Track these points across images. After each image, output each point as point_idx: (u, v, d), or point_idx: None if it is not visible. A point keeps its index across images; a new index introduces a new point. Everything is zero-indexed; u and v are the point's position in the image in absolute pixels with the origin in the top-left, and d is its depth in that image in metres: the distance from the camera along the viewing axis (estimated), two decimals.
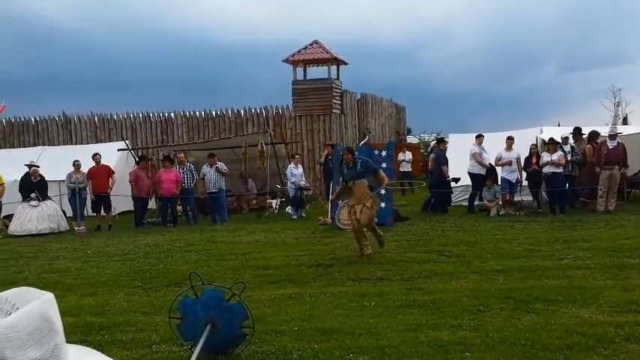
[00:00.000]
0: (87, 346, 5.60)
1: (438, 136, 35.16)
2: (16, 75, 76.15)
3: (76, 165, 16.84)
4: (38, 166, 17.31)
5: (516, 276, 8.50)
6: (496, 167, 16.26)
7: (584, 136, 16.68)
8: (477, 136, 16.85)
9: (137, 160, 17.96)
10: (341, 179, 10.78)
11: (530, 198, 15.98)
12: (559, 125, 21.70)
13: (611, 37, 75.75)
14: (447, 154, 17.48)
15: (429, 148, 17.61)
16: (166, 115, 25.01)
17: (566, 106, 68.80)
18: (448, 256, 10.17)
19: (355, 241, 10.48)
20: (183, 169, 17.02)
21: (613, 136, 15.17)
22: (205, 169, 17.05)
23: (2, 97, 25.40)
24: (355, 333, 6.26)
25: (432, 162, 17.18)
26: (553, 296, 7.28)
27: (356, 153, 11.39)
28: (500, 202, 15.78)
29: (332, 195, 11.35)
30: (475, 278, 8.48)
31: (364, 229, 10.35)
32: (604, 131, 16.22)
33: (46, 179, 17.33)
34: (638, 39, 67.58)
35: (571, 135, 16.59)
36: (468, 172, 16.59)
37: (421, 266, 9.42)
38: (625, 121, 29.03)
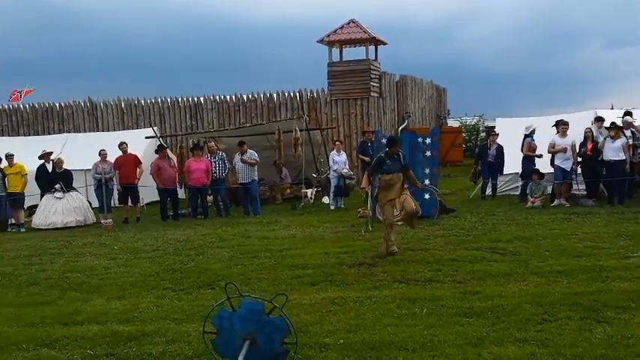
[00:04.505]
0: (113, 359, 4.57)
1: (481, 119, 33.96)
2: (40, 60, 76.31)
3: (102, 154, 16.35)
4: (51, 153, 16.99)
5: (580, 278, 7.90)
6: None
7: (635, 121, 15.69)
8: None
9: (156, 149, 17.14)
10: (375, 171, 10.20)
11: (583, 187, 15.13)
12: (612, 108, 20.66)
13: None
14: (499, 141, 16.89)
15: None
16: (196, 99, 24.45)
17: (616, 85, 66.68)
18: (502, 254, 9.50)
19: (385, 237, 9.92)
20: (214, 158, 16.41)
21: None
22: (236, 158, 16.42)
23: (26, 82, 25.16)
24: (409, 348, 5.71)
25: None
26: (623, 302, 6.71)
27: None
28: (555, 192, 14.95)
29: (364, 183, 10.67)
30: (535, 280, 7.88)
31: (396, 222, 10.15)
32: None
33: (73, 168, 16.92)
34: None
35: (620, 119, 15.63)
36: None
37: (473, 266, 8.79)
38: None
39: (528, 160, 16.00)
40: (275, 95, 23.61)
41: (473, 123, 34.39)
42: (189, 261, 10.21)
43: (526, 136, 16.11)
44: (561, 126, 15.07)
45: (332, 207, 16.80)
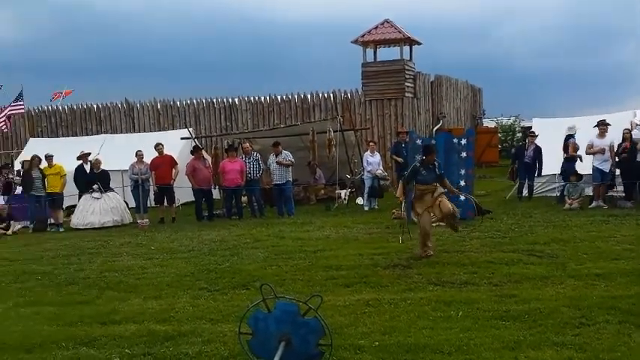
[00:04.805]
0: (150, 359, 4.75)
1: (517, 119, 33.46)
2: (78, 61, 77.23)
3: (139, 155, 16.60)
4: (89, 154, 17.26)
5: (619, 281, 7.75)
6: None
7: None
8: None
9: (191, 150, 17.23)
10: (409, 180, 10.01)
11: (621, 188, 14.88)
12: None
13: None
14: (536, 142, 16.62)
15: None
16: (230, 100, 24.58)
17: None
18: (539, 256, 9.35)
19: (420, 241, 9.82)
20: (249, 159, 16.44)
21: None
22: (271, 159, 16.46)
23: (65, 83, 25.44)
24: (444, 351, 5.65)
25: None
26: None
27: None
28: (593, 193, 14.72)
29: (399, 193, 10.55)
30: (572, 284, 7.74)
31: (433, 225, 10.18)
32: None
33: (110, 169, 17.17)
34: None
35: None
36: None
37: (510, 268, 8.66)
38: None
39: (571, 160, 15.74)
40: (309, 96, 23.63)
41: (509, 123, 33.86)
42: (224, 261, 10.24)
43: (569, 136, 15.83)
44: (600, 126, 14.83)
45: (366, 208, 16.73)
